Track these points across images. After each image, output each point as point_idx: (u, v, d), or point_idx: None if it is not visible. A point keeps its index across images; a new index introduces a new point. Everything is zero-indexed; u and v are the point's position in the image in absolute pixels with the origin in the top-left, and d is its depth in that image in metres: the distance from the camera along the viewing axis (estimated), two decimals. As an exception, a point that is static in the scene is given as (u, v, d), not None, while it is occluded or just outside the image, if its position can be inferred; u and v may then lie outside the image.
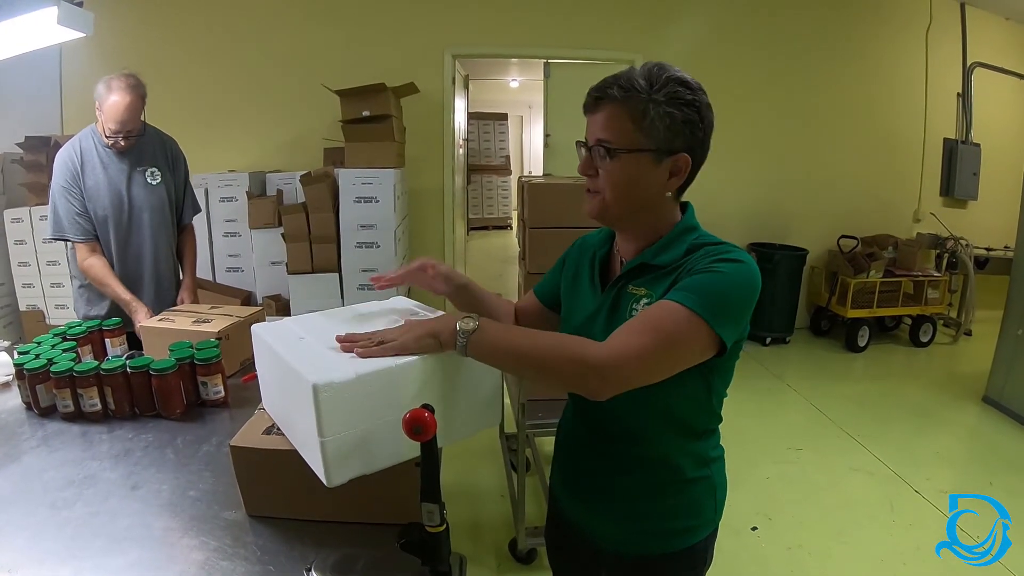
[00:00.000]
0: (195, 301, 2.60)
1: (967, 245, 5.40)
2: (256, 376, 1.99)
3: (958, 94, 5.88)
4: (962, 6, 5.74)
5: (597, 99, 1.05)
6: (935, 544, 2.82)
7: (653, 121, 1.01)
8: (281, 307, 4.08)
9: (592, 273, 1.22)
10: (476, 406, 1.22)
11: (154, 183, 2.49)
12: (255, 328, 1.28)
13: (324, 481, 1.04)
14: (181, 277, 2.70)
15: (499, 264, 8.16)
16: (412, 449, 1.03)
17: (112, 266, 2.46)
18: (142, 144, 2.47)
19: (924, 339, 5.43)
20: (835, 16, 5.43)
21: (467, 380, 1.18)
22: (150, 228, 2.50)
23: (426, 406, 0.99)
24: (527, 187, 2.74)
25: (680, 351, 0.99)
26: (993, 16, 5.89)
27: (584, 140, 1.10)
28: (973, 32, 5.79)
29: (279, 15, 4.74)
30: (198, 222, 4.14)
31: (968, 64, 5.80)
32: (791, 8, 5.36)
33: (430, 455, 1.02)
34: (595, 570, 1.29)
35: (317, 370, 1.01)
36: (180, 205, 2.65)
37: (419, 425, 0.97)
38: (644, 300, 1.07)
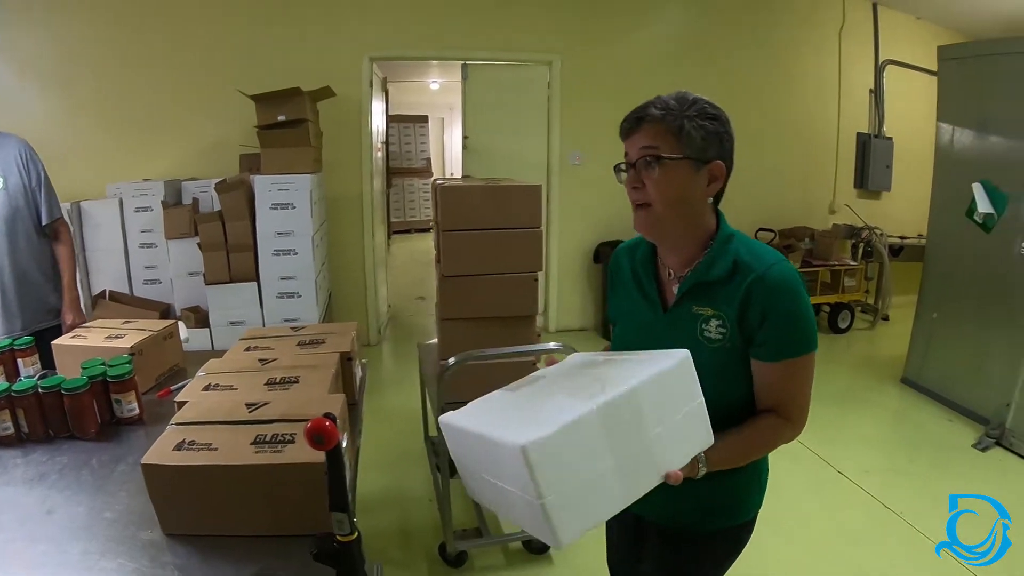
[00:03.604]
0: (81, 320, 2.57)
1: (882, 234, 5.60)
2: (170, 391, 1.95)
3: (870, 90, 6.11)
4: (874, 6, 5.96)
5: (638, 120, 1.18)
6: (860, 523, 2.92)
7: (689, 133, 1.15)
8: (200, 318, 3.97)
9: (642, 286, 1.32)
10: (688, 426, 1.12)
11: None
12: (443, 419, 1.19)
13: (556, 544, 0.99)
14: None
15: (422, 267, 8.11)
16: (635, 491, 1.04)
17: None
18: None
19: (843, 325, 5.64)
20: (751, 16, 5.61)
21: (669, 404, 1.09)
22: None
23: (328, 415, 0.99)
24: (440, 190, 2.73)
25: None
26: (904, 16, 6.13)
27: (622, 164, 1.23)
28: (885, 31, 6.03)
29: (193, 19, 4.62)
30: (111, 232, 4.11)
31: (880, 62, 6.03)
32: (709, 9, 5.50)
33: (335, 464, 1.02)
34: (637, 537, 1.43)
35: (519, 433, 0.96)
36: (38, 209, 2.56)
37: (320, 435, 0.97)
38: (715, 321, 1.20)
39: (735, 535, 1.34)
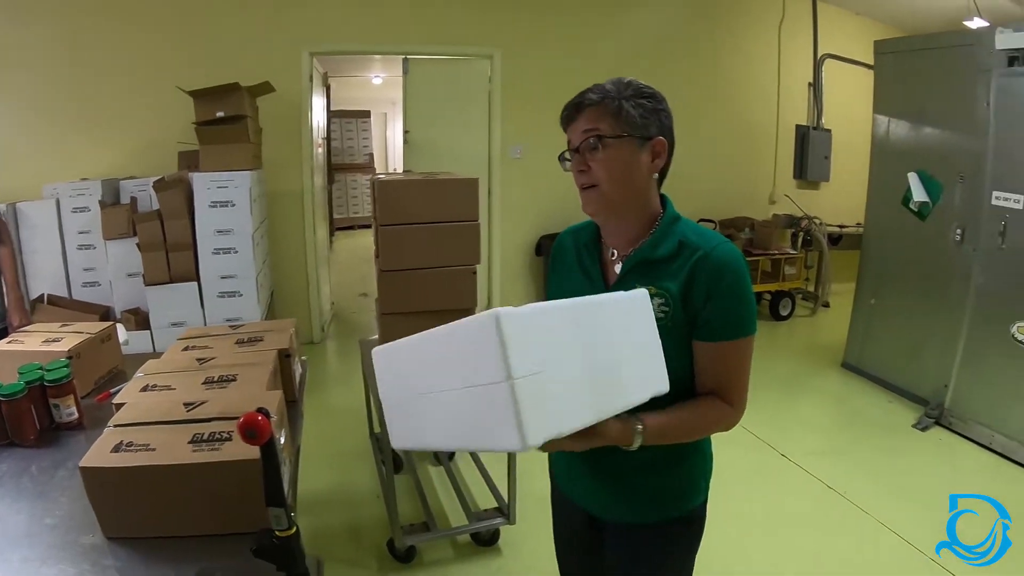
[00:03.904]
0: (27, 321, 2.52)
1: (821, 224, 5.76)
2: (110, 394, 1.91)
3: (809, 83, 6.29)
4: (814, 1, 6.11)
5: (577, 106, 1.21)
6: (805, 505, 2.98)
7: (628, 112, 1.18)
8: (141, 320, 3.88)
9: (584, 266, 1.34)
10: (647, 361, 1.11)
11: None
12: (376, 349, 1.16)
13: (520, 443, 0.85)
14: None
15: (365, 264, 7.94)
16: (603, 408, 0.99)
17: None
18: None
19: (784, 313, 5.79)
20: (691, 10, 5.71)
21: (631, 330, 1.08)
22: None
23: (261, 410, 0.99)
24: (378, 184, 2.72)
25: None
26: (842, 11, 6.32)
27: (566, 153, 1.26)
28: (824, 26, 6.19)
29: (128, 15, 4.50)
30: (48, 234, 3.99)
31: (819, 56, 6.19)
32: (651, 4, 5.57)
33: (270, 458, 1.03)
34: (595, 540, 1.44)
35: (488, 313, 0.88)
36: None
37: (253, 429, 0.98)
38: (658, 299, 1.20)
39: (695, 518, 1.37)
